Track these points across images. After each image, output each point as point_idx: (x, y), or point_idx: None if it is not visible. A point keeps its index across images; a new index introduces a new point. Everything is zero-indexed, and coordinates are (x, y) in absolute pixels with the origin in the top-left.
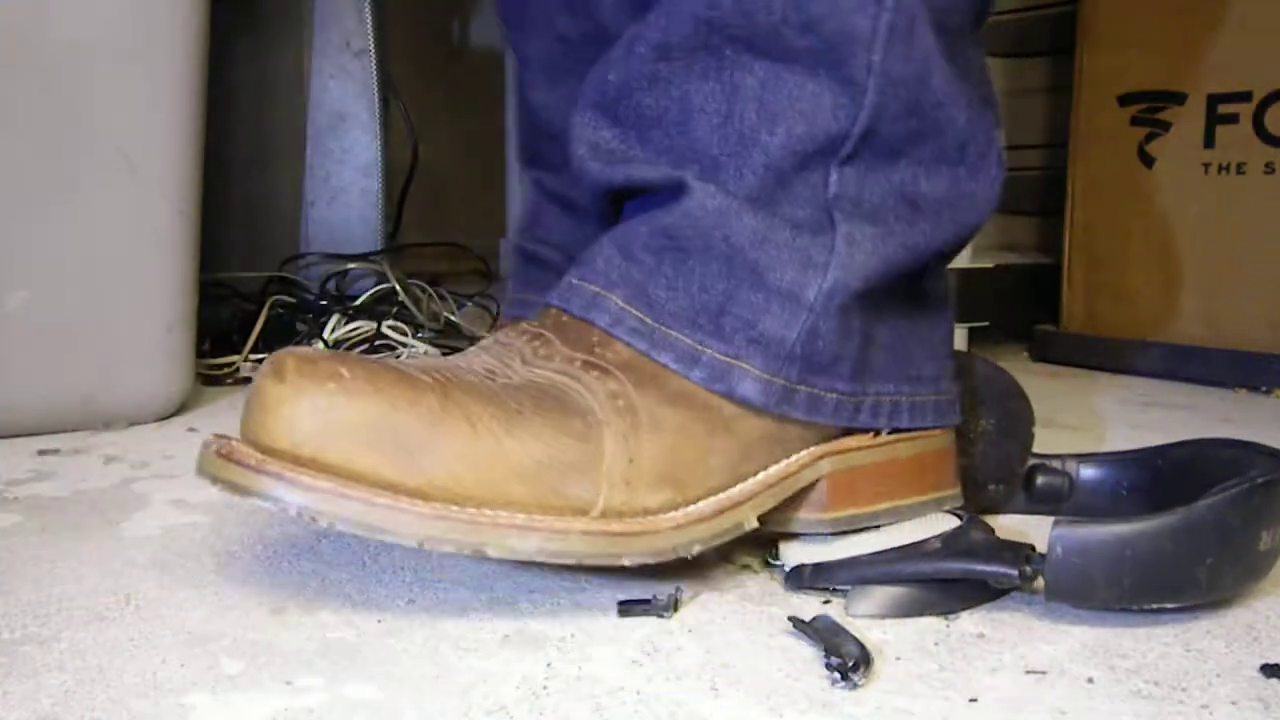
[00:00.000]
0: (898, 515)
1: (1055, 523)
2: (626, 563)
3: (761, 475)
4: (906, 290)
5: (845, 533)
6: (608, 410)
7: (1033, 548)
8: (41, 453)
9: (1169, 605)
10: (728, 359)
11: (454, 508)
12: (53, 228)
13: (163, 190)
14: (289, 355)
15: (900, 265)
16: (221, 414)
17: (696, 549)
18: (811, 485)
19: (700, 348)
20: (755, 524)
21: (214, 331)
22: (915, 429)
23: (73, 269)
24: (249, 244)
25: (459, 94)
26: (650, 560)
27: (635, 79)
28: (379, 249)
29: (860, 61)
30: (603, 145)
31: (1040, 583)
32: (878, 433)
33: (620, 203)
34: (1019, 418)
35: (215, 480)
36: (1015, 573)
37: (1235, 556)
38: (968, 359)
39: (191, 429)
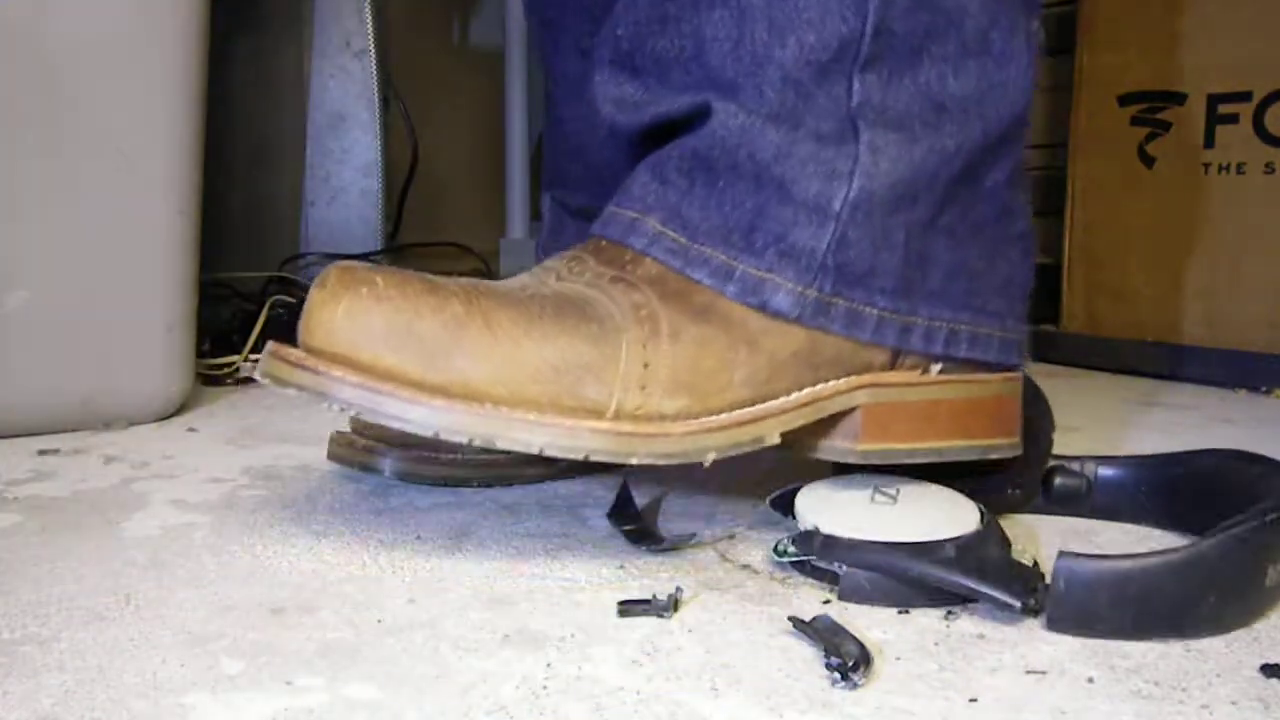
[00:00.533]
0: (938, 456)
1: (1060, 554)
2: (635, 461)
3: (792, 395)
4: (969, 209)
5: (862, 467)
6: (628, 318)
7: (1042, 576)
8: (41, 453)
9: (1171, 639)
10: (760, 273)
11: (473, 404)
12: (53, 228)
13: (163, 190)
14: (335, 266)
15: (931, 169)
16: (222, 414)
17: (711, 456)
18: (846, 414)
19: (733, 263)
20: (778, 440)
21: (214, 331)
22: (974, 360)
23: (73, 269)
24: (249, 244)
25: (459, 94)
26: (660, 462)
27: (645, 26)
28: (379, 249)
29: None
30: (627, 98)
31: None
32: (926, 370)
33: (655, 146)
34: (1040, 422)
35: (263, 375)
36: (1019, 605)
37: (1240, 593)
38: None
39: (191, 429)
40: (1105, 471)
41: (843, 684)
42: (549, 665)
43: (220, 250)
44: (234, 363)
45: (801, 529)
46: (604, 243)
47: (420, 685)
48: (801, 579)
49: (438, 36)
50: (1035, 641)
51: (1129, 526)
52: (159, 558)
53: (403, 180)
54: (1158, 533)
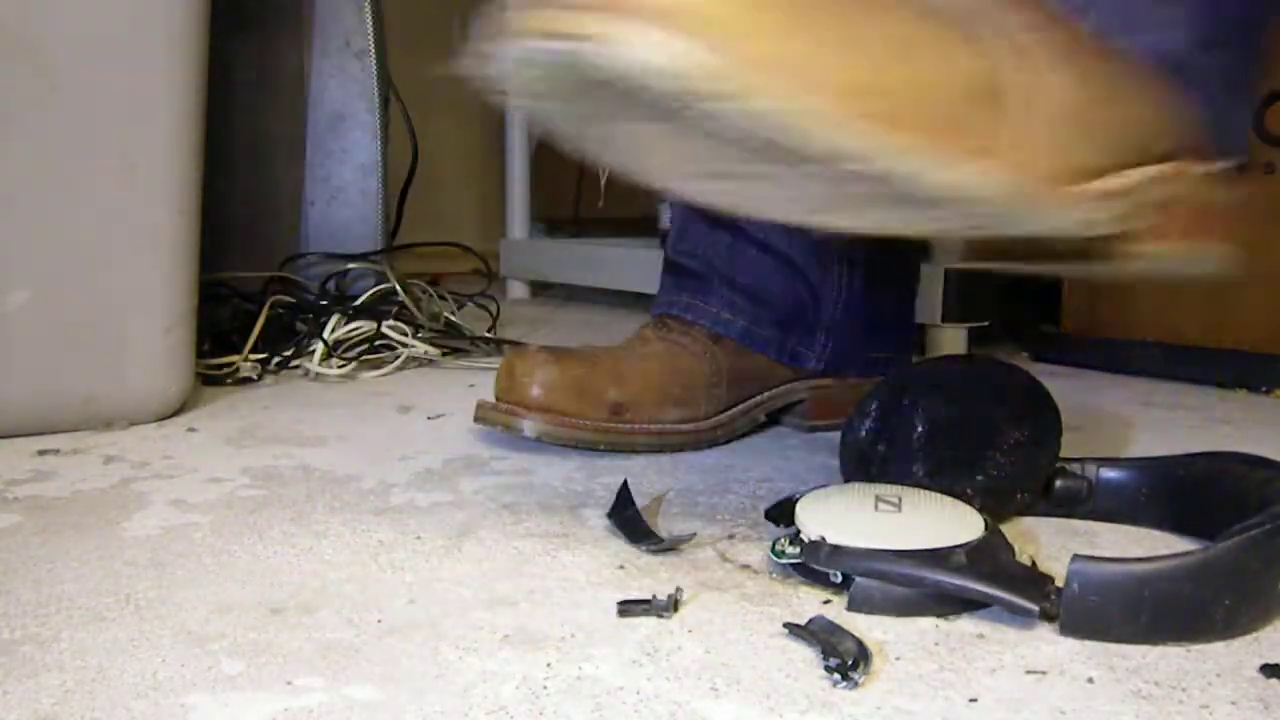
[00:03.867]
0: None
1: (1073, 558)
2: (1023, 230)
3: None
4: None
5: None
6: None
7: (1051, 580)
8: (41, 453)
9: (1184, 643)
10: None
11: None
12: (53, 228)
13: (163, 190)
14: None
15: None
16: (221, 414)
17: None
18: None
19: None
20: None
21: (214, 331)
22: None
23: (73, 269)
24: (249, 244)
25: (459, 94)
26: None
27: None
28: (379, 249)
29: None
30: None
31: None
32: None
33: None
34: (1050, 429)
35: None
36: (1037, 609)
37: (1253, 598)
38: (1018, 370)
39: (191, 429)
40: (1106, 473)
41: (843, 683)
42: (549, 665)
43: (220, 250)
44: (234, 363)
45: (805, 539)
46: None
47: (420, 685)
48: (801, 579)
49: (438, 36)
50: (1035, 641)
51: (1129, 528)
52: (159, 558)
53: (403, 180)
54: (1158, 535)
